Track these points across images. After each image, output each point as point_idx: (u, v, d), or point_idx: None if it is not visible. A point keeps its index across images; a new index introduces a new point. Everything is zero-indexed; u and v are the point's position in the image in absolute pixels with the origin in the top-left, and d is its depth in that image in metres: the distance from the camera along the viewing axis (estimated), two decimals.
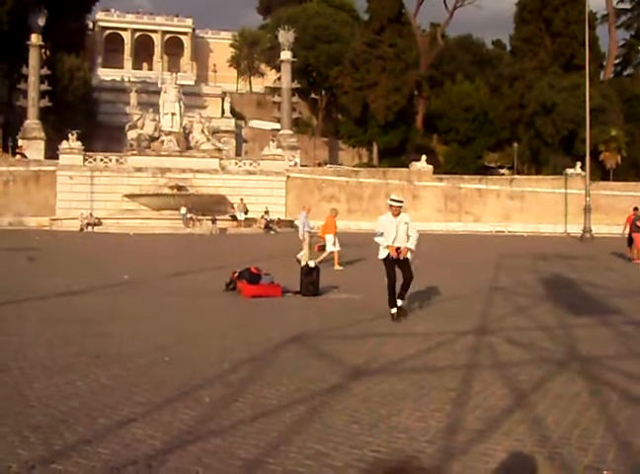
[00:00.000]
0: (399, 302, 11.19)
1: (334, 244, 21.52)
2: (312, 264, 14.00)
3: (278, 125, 73.65)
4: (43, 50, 60.75)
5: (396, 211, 11.25)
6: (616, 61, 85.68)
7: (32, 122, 58.31)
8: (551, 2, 69.68)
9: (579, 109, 53.60)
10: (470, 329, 10.07)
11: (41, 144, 57.42)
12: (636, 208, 26.73)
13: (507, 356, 8.20)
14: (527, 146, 68.22)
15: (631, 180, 59.32)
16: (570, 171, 55.00)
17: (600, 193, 51.05)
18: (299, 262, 20.60)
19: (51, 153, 54.55)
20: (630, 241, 25.59)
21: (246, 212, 48.94)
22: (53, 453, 4.75)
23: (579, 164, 53.12)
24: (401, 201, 11.40)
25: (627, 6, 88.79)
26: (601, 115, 60.36)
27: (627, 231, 25.73)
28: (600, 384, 6.88)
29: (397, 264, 11.27)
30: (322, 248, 22.40)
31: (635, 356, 8.26)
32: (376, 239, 11.36)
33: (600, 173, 59.06)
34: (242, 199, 49.30)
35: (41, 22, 58.11)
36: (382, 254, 11.32)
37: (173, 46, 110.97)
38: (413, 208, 53.94)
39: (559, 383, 6.91)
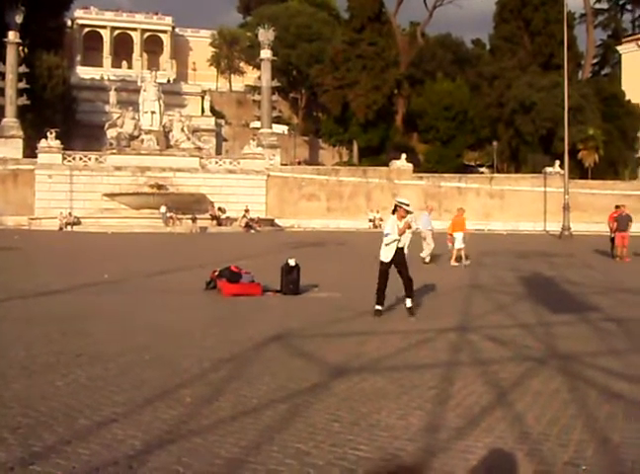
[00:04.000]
0: (408, 302, 11.34)
1: (462, 241, 22.46)
2: (292, 262, 13.96)
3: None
4: (21, 48, 60.15)
5: (403, 214, 11.29)
6: (594, 61, 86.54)
7: (9, 121, 57.70)
8: (531, 2, 70.17)
9: (557, 108, 54.03)
10: (451, 327, 10.11)
11: (20, 143, 56.84)
12: (618, 206, 26.73)
13: (487, 354, 8.24)
14: (507, 145, 68.64)
15: (609, 178, 59.99)
16: (549, 169, 55.42)
17: (578, 191, 51.48)
18: (425, 261, 21.86)
19: (30, 152, 54.09)
20: (613, 238, 25.69)
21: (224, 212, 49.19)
22: (32, 454, 4.70)
23: (558, 162, 53.55)
24: (408, 204, 11.44)
25: (604, 6, 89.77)
26: (580, 114, 60.90)
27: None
28: (580, 381, 6.93)
29: (395, 265, 11.36)
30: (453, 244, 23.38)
31: (614, 353, 8.32)
32: (386, 240, 11.33)
33: (579, 171, 59.61)
34: (220, 208, 49.33)
35: (19, 19, 57.53)
36: (389, 257, 11.32)
37: (152, 45, 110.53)
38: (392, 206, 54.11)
39: (539, 380, 6.95)
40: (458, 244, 22.42)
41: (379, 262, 11.48)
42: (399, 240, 11.27)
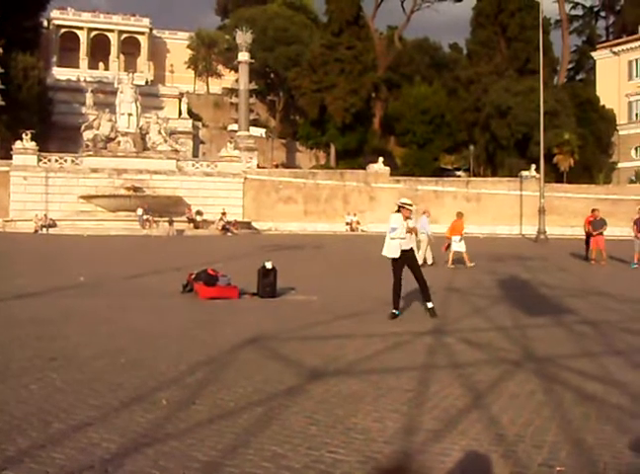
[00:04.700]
0: (429, 304, 11.48)
1: (463, 244, 23.22)
2: (269, 265, 13.94)
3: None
4: None
5: (407, 214, 11.35)
6: (569, 66, 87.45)
7: None
8: (507, 7, 70.78)
9: (533, 112, 54.51)
10: (427, 330, 10.15)
11: None
12: (594, 210, 27.13)
13: (463, 357, 8.28)
14: (483, 149, 69.10)
15: (583, 182, 60.64)
16: (525, 173, 55.89)
17: (553, 195, 51.94)
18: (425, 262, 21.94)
19: (4, 153, 53.56)
20: (588, 242, 26.03)
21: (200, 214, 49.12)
22: (6, 459, 4.66)
23: (533, 166, 54.04)
24: (412, 205, 11.50)
25: (579, 13, 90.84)
26: (555, 118, 61.49)
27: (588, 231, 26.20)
28: (555, 383, 6.99)
29: (407, 265, 11.44)
30: (448, 247, 23.97)
31: (588, 355, 8.40)
32: (392, 234, 11.26)
33: (554, 175, 60.21)
34: (198, 211, 49.27)
35: None
36: (395, 252, 11.30)
37: (130, 46, 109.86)
38: (370, 210, 54.33)
39: (514, 383, 7.00)
40: (462, 247, 23.13)
41: (390, 260, 11.47)
42: (403, 239, 11.27)
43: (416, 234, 11.42)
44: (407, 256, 11.38)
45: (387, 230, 11.48)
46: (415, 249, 11.77)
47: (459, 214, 24.71)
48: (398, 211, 11.42)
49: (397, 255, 11.29)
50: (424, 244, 22.92)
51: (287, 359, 7.96)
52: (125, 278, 17.53)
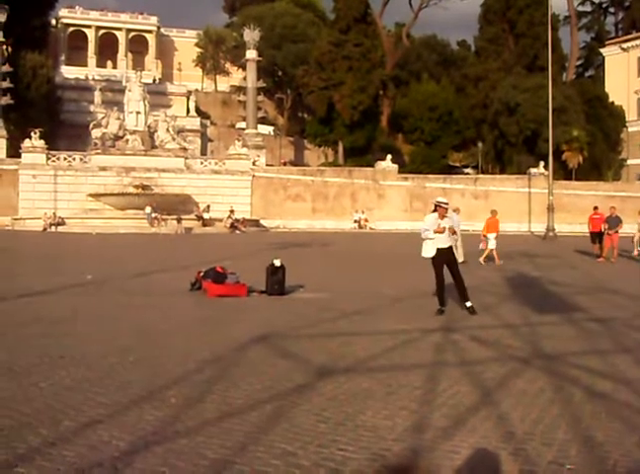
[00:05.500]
0: (467, 304, 11.60)
1: (495, 242, 23.34)
2: (278, 263, 13.94)
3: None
4: (5, 47, 59.78)
5: (443, 212, 11.45)
6: (578, 63, 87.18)
7: None
8: (515, 4, 70.59)
9: (542, 109, 54.33)
10: (436, 327, 10.14)
11: (3, 143, 56.47)
12: (596, 207, 27.23)
13: (472, 354, 8.27)
14: (492, 146, 68.94)
15: (592, 179, 60.47)
16: (533, 170, 55.73)
17: (562, 192, 51.79)
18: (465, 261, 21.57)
19: (13, 152, 53.73)
20: (594, 239, 25.97)
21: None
22: (16, 457, 4.67)
23: (542, 163, 53.88)
24: (447, 203, 11.62)
25: (588, 9, 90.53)
26: (564, 115, 61.29)
27: (591, 229, 26.18)
28: (564, 380, 6.97)
29: (446, 265, 11.58)
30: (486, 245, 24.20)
31: (598, 353, 8.38)
32: (424, 234, 11.50)
33: (563, 172, 60.02)
34: (208, 205, 49.51)
35: (2, 18, 57.10)
36: (429, 252, 11.47)
37: (138, 44, 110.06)
38: (378, 208, 54.29)
39: (524, 380, 6.98)
40: (492, 244, 23.11)
41: (430, 260, 11.64)
42: (432, 238, 11.38)
43: (453, 233, 11.43)
44: (445, 254, 11.49)
45: (421, 231, 11.62)
46: (454, 247, 11.82)
47: (494, 212, 24.75)
48: (435, 210, 11.56)
49: (432, 254, 11.45)
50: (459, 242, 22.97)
51: (296, 357, 7.97)
52: (133, 276, 17.56)
